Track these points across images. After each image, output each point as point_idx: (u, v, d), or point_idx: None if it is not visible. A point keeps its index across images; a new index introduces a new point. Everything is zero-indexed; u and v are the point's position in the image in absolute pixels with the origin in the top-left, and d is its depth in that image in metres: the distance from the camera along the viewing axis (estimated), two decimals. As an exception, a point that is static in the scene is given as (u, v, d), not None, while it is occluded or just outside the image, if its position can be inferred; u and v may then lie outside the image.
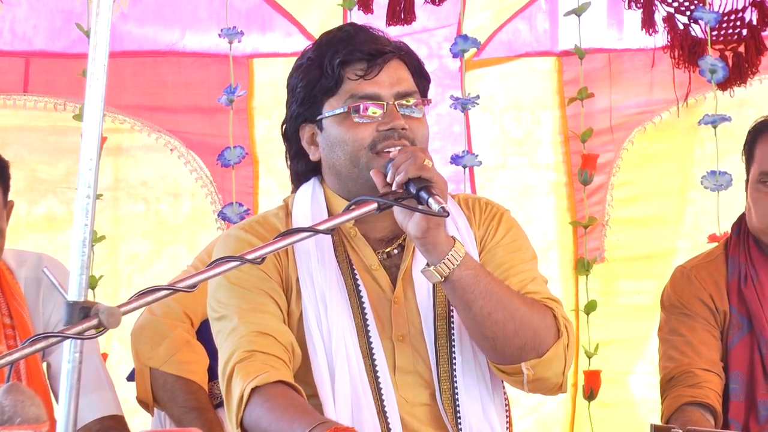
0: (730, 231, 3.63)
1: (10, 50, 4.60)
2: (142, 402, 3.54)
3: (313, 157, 2.69)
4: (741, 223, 3.59)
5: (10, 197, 3.43)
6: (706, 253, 3.69)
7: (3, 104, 4.56)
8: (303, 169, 2.74)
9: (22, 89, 4.60)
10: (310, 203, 2.68)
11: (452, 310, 2.63)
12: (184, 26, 4.73)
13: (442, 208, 2.39)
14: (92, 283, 4.25)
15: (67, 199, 4.59)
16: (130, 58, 4.68)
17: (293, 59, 4.41)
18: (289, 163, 2.78)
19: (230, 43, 4.48)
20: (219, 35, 4.51)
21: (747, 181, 3.54)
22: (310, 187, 2.71)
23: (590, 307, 4.53)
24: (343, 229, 2.67)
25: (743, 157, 3.57)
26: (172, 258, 4.67)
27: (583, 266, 4.61)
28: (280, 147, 4.65)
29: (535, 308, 2.58)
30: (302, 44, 4.61)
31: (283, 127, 2.74)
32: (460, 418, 2.62)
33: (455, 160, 4.47)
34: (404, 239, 2.68)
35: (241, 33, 4.52)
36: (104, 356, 3.84)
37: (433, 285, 2.63)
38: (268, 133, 4.78)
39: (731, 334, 3.48)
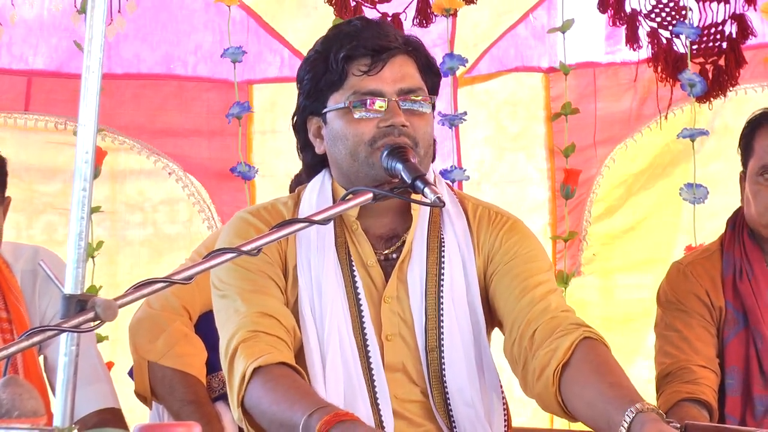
0: (725, 226, 3.63)
1: (12, 69, 4.62)
2: (140, 395, 3.54)
3: (318, 150, 2.69)
4: (736, 217, 3.59)
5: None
6: (702, 249, 3.69)
7: (4, 123, 4.57)
8: (310, 161, 2.74)
9: (23, 108, 4.62)
10: (317, 194, 2.68)
11: (442, 313, 2.62)
12: (185, 50, 4.76)
13: (438, 198, 2.38)
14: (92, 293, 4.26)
15: (67, 214, 4.60)
16: (130, 80, 4.71)
17: (291, 84, 4.44)
18: (299, 155, 2.79)
19: (234, 62, 4.53)
20: (221, 56, 4.55)
21: (743, 173, 3.54)
22: (320, 179, 2.71)
23: None
24: (346, 222, 2.67)
25: (739, 150, 3.57)
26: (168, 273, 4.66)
27: (561, 279, 4.63)
28: (278, 171, 4.73)
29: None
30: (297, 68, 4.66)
31: (294, 119, 2.74)
32: (454, 420, 2.61)
33: (444, 175, 4.50)
34: (403, 240, 2.67)
35: (244, 52, 4.55)
36: (109, 365, 3.83)
37: (426, 287, 2.63)
38: (266, 158, 4.80)
39: (727, 329, 3.47)
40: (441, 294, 2.63)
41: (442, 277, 2.64)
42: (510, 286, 2.64)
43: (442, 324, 2.61)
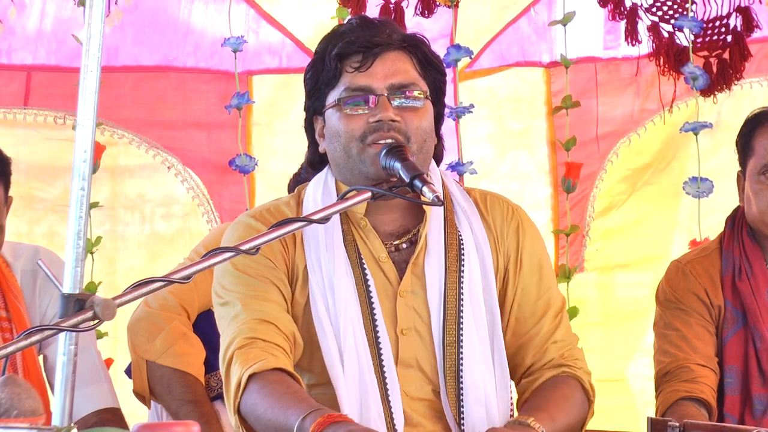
0: (724, 225, 3.62)
1: (12, 64, 4.61)
2: (138, 395, 3.55)
3: (320, 148, 2.70)
4: (735, 216, 3.58)
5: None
6: (701, 247, 3.68)
7: (3, 119, 4.57)
8: (311, 158, 2.75)
9: (22, 102, 4.61)
10: (321, 191, 2.69)
11: (462, 309, 2.63)
12: (184, 42, 4.75)
13: (437, 197, 2.38)
14: (91, 289, 4.26)
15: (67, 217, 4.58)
16: (129, 73, 4.70)
17: (292, 75, 4.45)
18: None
19: (234, 52, 4.52)
20: (222, 45, 4.54)
21: (742, 172, 3.52)
22: (322, 177, 2.72)
23: (572, 314, 4.55)
24: (353, 220, 2.67)
25: (737, 149, 3.55)
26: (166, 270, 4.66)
27: (564, 274, 4.63)
28: (278, 163, 4.71)
29: (578, 408, 2.68)
30: (299, 59, 4.66)
31: (305, 122, 2.75)
32: (463, 417, 2.61)
33: (452, 168, 4.49)
34: (414, 234, 2.68)
35: (245, 41, 4.54)
36: (108, 361, 3.83)
37: (445, 282, 2.64)
38: (267, 150, 4.79)
39: (726, 328, 3.46)
40: (461, 290, 2.64)
41: (462, 273, 2.65)
42: (521, 308, 2.73)
43: (461, 319, 2.63)
